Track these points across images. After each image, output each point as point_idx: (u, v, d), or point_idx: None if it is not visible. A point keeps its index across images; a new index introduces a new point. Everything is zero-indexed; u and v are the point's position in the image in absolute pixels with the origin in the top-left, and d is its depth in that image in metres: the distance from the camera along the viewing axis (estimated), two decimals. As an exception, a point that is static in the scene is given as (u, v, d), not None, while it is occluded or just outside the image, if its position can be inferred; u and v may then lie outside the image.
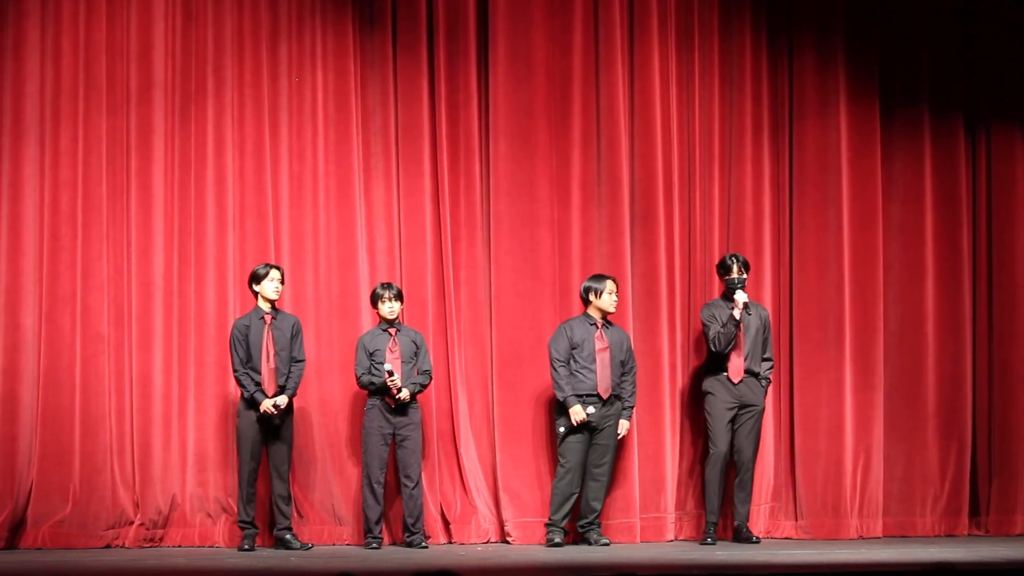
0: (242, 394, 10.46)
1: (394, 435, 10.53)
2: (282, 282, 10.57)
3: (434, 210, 11.19)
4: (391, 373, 10.38)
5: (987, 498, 11.52)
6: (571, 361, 10.61)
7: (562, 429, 10.67)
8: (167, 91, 10.97)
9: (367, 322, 10.93)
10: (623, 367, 10.71)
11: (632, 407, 10.77)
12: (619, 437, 10.72)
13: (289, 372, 10.49)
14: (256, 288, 10.50)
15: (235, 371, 10.46)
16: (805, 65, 11.57)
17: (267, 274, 10.47)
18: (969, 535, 11.42)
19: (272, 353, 10.44)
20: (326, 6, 11.17)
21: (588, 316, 10.73)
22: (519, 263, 11.18)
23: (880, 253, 11.51)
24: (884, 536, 11.24)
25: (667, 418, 11.14)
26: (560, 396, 10.59)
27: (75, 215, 10.83)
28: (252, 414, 10.41)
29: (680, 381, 11.22)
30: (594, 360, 10.60)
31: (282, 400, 10.39)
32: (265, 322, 10.48)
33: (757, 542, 10.74)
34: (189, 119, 10.99)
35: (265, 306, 10.51)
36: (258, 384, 10.39)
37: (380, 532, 10.54)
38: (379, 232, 11.16)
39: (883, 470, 11.33)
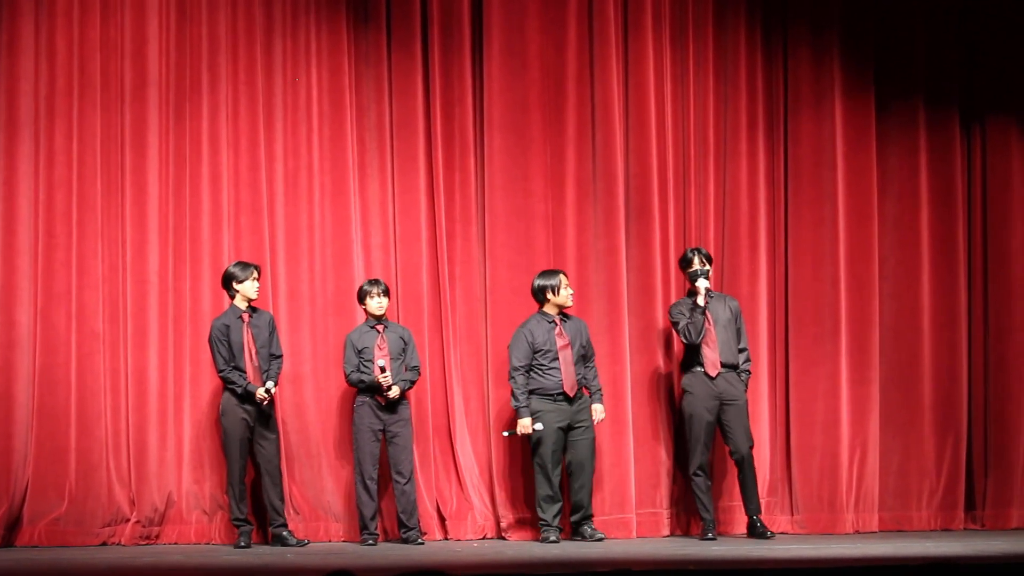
0: (226, 393, 10.45)
1: (384, 431, 10.53)
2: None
3: (429, 206, 11.19)
4: (383, 369, 10.38)
5: (983, 492, 11.52)
6: (535, 364, 10.59)
7: (505, 434, 10.73)
8: (161, 88, 10.97)
9: (362, 318, 10.93)
10: (584, 359, 10.69)
11: (600, 391, 10.75)
12: (596, 422, 10.69)
13: (268, 368, 10.51)
14: (237, 288, 10.48)
15: (221, 370, 10.44)
16: (800, 59, 11.56)
17: (248, 275, 10.47)
18: (965, 529, 11.43)
19: (254, 351, 10.45)
20: (320, 3, 11.17)
21: (545, 314, 10.71)
22: (514, 258, 11.17)
23: (875, 247, 11.51)
24: (880, 531, 11.25)
25: (662, 414, 11.14)
26: (514, 404, 10.60)
27: (70, 212, 10.82)
28: (238, 411, 10.40)
29: (675, 376, 11.21)
30: (557, 359, 10.58)
31: (272, 386, 10.41)
32: (244, 321, 10.48)
33: (772, 536, 10.68)
34: (184, 116, 10.98)
35: (243, 305, 10.51)
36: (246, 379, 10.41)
37: (376, 528, 10.55)
38: (374, 228, 11.16)
39: (879, 464, 11.34)
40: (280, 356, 10.60)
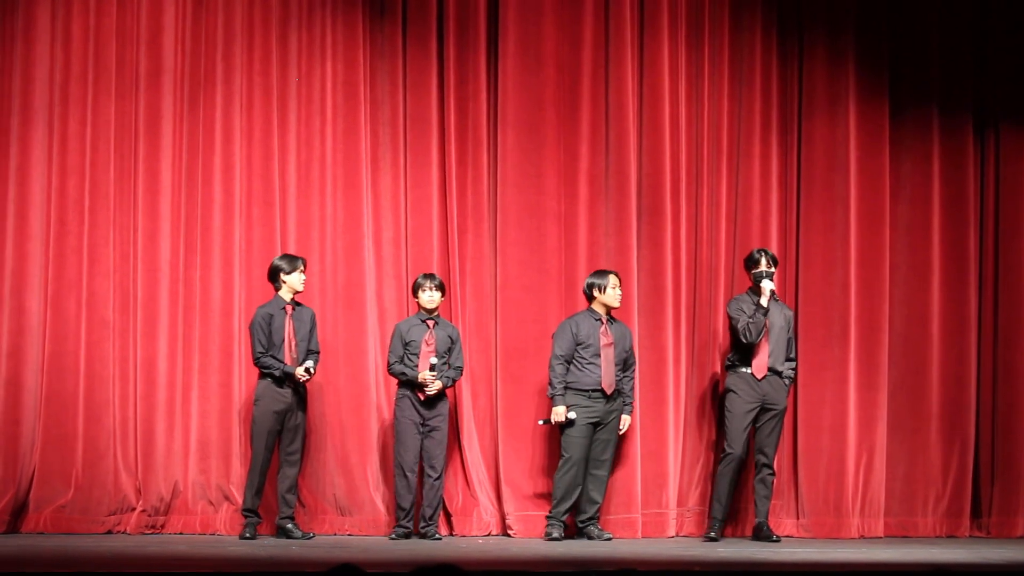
0: (262, 381, 10.43)
1: (423, 425, 10.53)
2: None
3: (441, 201, 11.19)
4: (433, 367, 10.38)
5: (989, 500, 11.50)
6: (575, 357, 10.60)
7: (540, 422, 10.72)
8: (176, 77, 10.98)
9: (372, 312, 10.94)
10: (625, 364, 10.71)
11: (632, 402, 10.77)
12: (621, 433, 10.73)
13: (305, 361, 10.50)
14: (284, 279, 10.49)
15: (259, 356, 10.43)
16: (815, 62, 11.55)
17: (295, 267, 10.49)
18: (970, 536, 11.41)
19: (294, 343, 10.46)
20: (337, -5, 11.19)
21: (593, 312, 10.72)
22: (525, 255, 11.17)
23: (887, 253, 11.49)
24: (885, 536, 11.23)
25: (670, 414, 11.14)
26: (550, 392, 10.60)
27: (82, 200, 10.84)
28: (271, 403, 10.38)
29: (684, 377, 11.21)
30: (599, 356, 10.59)
31: (311, 364, 10.41)
32: (287, 312, 10.49)
33: (777, 540, 10.68)
34: (198, 106, 10.99)
35: (287, 296, 10.52)
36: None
37: (409, 522, 10.51)
38: (385, 222, 11.16)
39: (885, 470, 11.32)
40: (318, 352, 10.60)
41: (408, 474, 10.49)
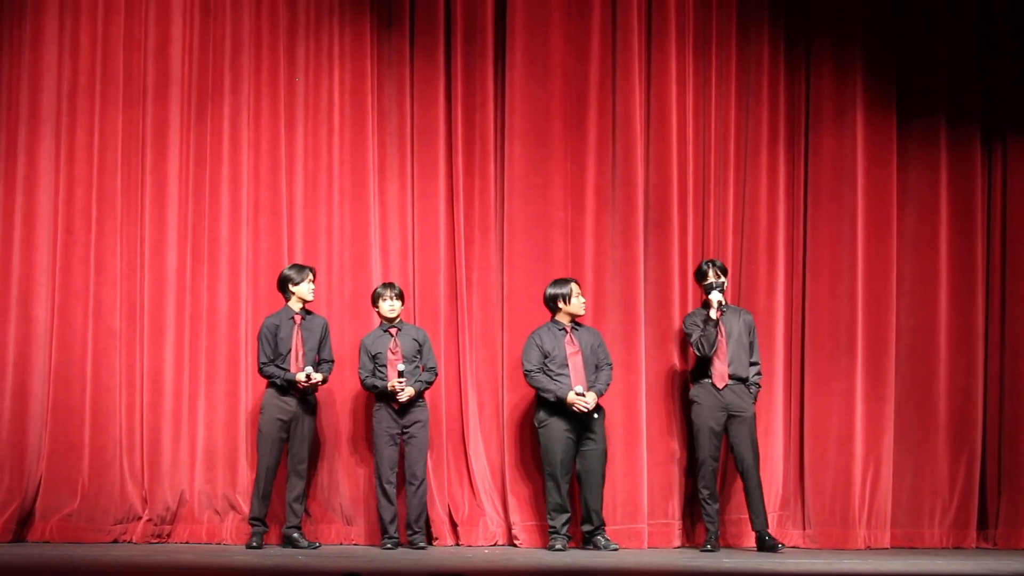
0: (268, 390, 10.46)
1: (402, 434, 10.53)
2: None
3: (448, 211, 11.21)
4: (401, 374, 10.39)
5: (996, 511, 11.48)
6: (543, 370, 10.59)
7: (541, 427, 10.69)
8: (184, 87, 11.02)
9: (378, 322, 10.94)
10: (596, 368, 10.69)
11: (601, 390, 10.60)
12: (589, 408, 10.48)
13: (317, 370, 10.52)
14: (293, 290, 10.51)
15: (262, 365, 10.46)
16: (822, 74, 11.54)
17: (304, 277, 10.52)
18: (977, 548, 11.37)
19: (301, 353, 10.47)
20: (344, 6, 11.21)
21: (556, 323, 10.71)
22: (532, 265, 11.18)
23: (894, 263, 11.47)
24: (892, 547, 11.21)
25: (677, 425, 11.12)
26: (552, 397, 10.53)
27: (89, 210, 10.88)
28: (276, 411, 10.41)
29: (690, 388, 11.19)
30: (566, 366, 10.58)
31: (316, 375, 10.42)
32: (295, 322, 10.51)
33: (782, 549, 10.67)
34: (205, 116, 11.03)
35: (296, 306, 10.55)
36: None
37: (396, 532, 10.52)
38: (392, 232, 11.18)
39: (892, 481, 11.30)
40: (331, 361, 10.64)
41: (386, 486, 10.48)
